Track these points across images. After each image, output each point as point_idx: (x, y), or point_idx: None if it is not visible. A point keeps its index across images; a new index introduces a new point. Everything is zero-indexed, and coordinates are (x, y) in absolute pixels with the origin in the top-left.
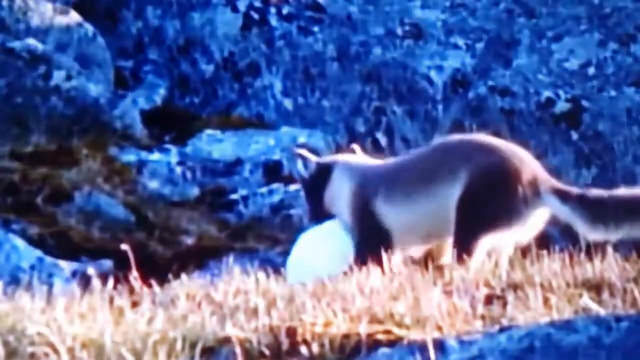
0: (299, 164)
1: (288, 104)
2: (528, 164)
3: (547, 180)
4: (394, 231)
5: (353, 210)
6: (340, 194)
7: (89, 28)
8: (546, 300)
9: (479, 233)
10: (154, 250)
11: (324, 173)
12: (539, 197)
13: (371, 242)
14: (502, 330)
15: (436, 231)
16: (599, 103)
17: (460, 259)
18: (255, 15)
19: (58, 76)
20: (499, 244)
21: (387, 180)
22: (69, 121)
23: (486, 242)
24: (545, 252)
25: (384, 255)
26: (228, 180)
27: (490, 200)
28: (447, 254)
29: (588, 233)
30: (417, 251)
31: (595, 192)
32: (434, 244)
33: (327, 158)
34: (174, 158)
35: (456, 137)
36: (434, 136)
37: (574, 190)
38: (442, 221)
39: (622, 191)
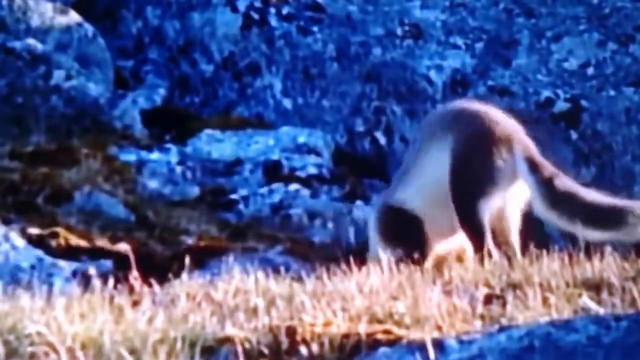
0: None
1: (288, 103)
2: (503, 125)
3: (522, 144)
4: (420, 213)
5: (379, 220)
6: (371, 230)
7: (89, 28)
8: (545, 300)
9: (471, 198)
10: (154, 249)
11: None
12: (512, 156)
13: (407, 236)
14: (501, 329)
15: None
16: (598, 103)
17: (470, 234)
18: (255, 16)
19: (58, 76)
20: (502, 212)
21: (398, 173)
22: (69, 121)
23: (485, 208)
24: (544, 251)
25: (422, 246)
26: (228, 180)
27: (471, 165)
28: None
29: (540, 211)
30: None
31: (567, 182)
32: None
33: None
34: (174, 158)
35: (443, 107)
36: None
37: (548, 167)
38: (445, 196)
39: (594, 195)
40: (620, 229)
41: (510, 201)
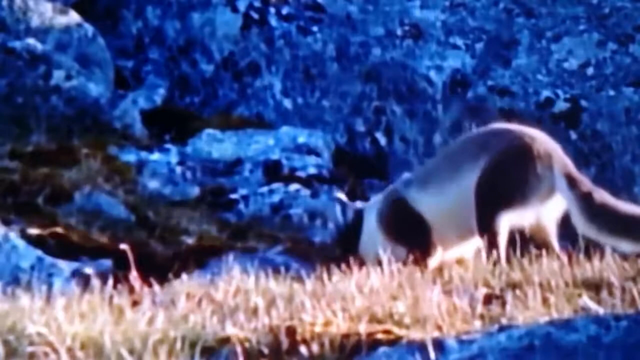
0: (337, 210)
1: (288, 103)
2: (542, 144)
3: (561, 160)
4: (430, 222)
5: (385, 213)
6: (369, 225)
7: (89, 28)
8: (545, 300)
9: (495, 210)
10: (154, 249)
11: (358, 219)
12: (551, 173)
13: (415, 236)
14: (501, 329)
15: (466, 221)
16: (597, 103)
17: (487, 242)
18: (255, 15)
19: (58, 76)
20: (541, 223)
21: (419, 172)
22: (69, 121)
23: (506, 220)
24: (544, 251)
25: (425, 246)
26: (228, 180)
27: (503, 177)
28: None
29: (579, 226)
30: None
31: (605, 196)
32: (467, 242)
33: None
34: (174, 158)
35: (481, 128)
36: (434, 136)
37: (586, 182)
38: (469, 209)
39: (629, 207)
40: None
41: (549, 214)
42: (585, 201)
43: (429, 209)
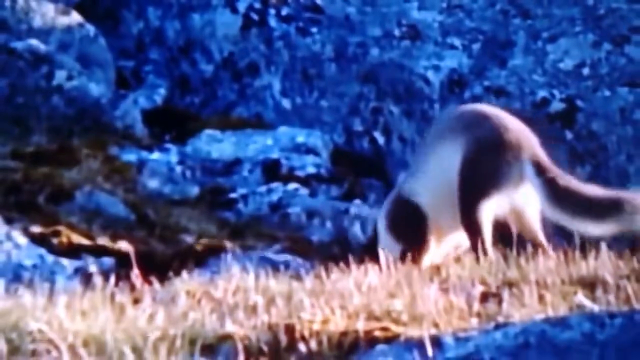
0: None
1: (287, 103)
2: (513, 131)
3: (530, 149)
4: (426, 209)
5: (390, 212)
6: (381, 230)
7: (91, 29)
8: (541, 297)
9: (474, 199)
10: (154, 248)
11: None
12: (520, 161)
13: (410, 229)
14: (497, 327)
15: (455, 204)
16: (593, 103)
17: (471, 232)
18: (255, 16)
19: (60, 76)
20: (521, 213)
21: (411, 165)
22: (70, 121)
23: (487, 209)
24: (540, 250)
25: (420, 241)
26: (227, 179)
27: (478, 166)
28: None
29: (547, 212)
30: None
31: (569, 180)
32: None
33: None
34: (174, 157)
35: (457, 108)
36: None
37: (554, 169)
38: (455, 191)
39: (594, 189)
40: (620, 219)
41: (528, 202)
42: (550, 186)
43: (422, 195)
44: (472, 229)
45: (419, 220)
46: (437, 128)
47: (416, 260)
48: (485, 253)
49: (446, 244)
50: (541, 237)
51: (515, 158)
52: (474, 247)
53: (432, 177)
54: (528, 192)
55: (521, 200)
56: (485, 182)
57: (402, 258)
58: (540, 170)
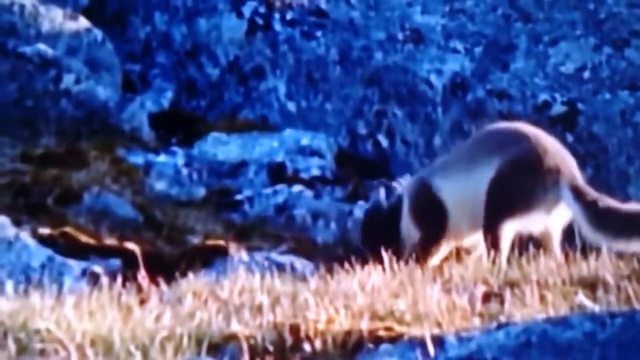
0: (381, 194)
1: (292, 106)
2: (552, 155)
3: (569, 173)
4: (449, 208)
5: (414, 195)
6: (404, 209)
7: (98, 33)
8: (542, 298)
9: (500, 216)
10: (161, 249)
11: (399, 203)
12: (558, 186)
13: (431, 222)
14: (499, 326)
15: (478, 214)
16: (593, 106)
17: (489, 243)
18: (260, 21)
19: (68, 80)
20: (547, 232)
21: (442, 161)
22: (78, 124)
23: (510, 227)
24: (541, 250)
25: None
26: (233, 181)
27: (510, 185)
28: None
29: (588, 236)
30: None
31: (608, 201)
32: (477, 234)
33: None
34: (180, 159)
35: (499, 125)
36: (434, 138)
37: (592, 192)
38: (481, 204)
39: (633, 207)
40: None
41: (555, 222)
42: (590, 210)
43: (447, 196)
44: (492, 242)
45: (440, 214)
46: (477, 139)
47: (429, 251)
48: (519, 252)
49: (446, 248)
50: (558, 252)
51: (553, 181)
52: (488, 255)
53: (461, 185)
54: (559, 216)
55: (553, 222)
56: (516, 201)
57: (420, 246)
58: (579, 194)
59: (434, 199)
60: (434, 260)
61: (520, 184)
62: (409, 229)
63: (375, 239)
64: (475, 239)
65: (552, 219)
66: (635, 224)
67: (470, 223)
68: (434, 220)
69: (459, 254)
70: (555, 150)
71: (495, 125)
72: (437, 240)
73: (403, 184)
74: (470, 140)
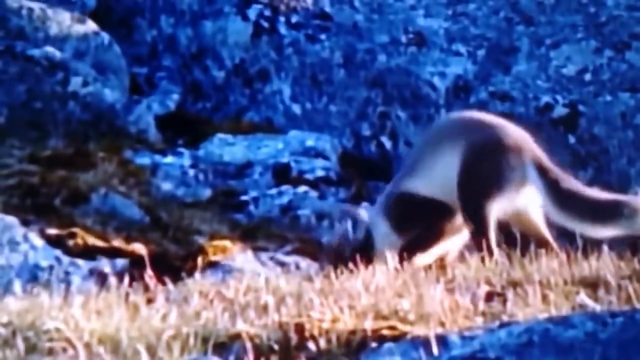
0: (349, 225)
1: (296, 108)
2: (514, 136)
3: (532, 152)
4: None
5: (393, 211)
6: (380, 232)
7: (105, 36)
8: (544, 297)
9: (478, 201)
10: (167, 249)
11: (369, 234)
12: (523, 164)
13: (422, 216)
14: (502, 326)
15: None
16: (595, 108)
17: (475, 231)
18: (265, 24)
19: (75, 82)
20: (524, 214)
21: (406, 164)
22: (85, 126)
23: (491, 211)
24: (543, 250)
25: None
26: (239, 182)
27: (479, 169)
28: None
29: (549, 212)
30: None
31: (572, 183)
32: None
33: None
34: (186, 161)
35: (457, 114)
36: None
37: (556, 171)
38: (453, 192)
39: (596, 192)
40: (620, 222)
41: (532, 204)
42: (553, 188)
43: (426, 189)
44: (477, 230)
45: (430, 205)
46: (435, 132)
47: (427, 247)
48: (490, 253)
49: (438, 249)
50: (547, 235)
51: (517, 161)
52: (479, 248)
53: (432, 180)
54: (531, 194)
55: (524, 202)
56: (488, 185)
57: (410, 247)
58: (543, 172)
59: (416, 198)
60: (431, 257)
61: (488, 167)
62: (394, 245)
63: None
64: (446, 246)
65: (522, 199)
66: (594, 211)
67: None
68: (427, 212)
69: (462, 255)
70: (516, 132)
71: (453, 114)
72: (438, 232)
73: (368, 212)
74: (426, 136)
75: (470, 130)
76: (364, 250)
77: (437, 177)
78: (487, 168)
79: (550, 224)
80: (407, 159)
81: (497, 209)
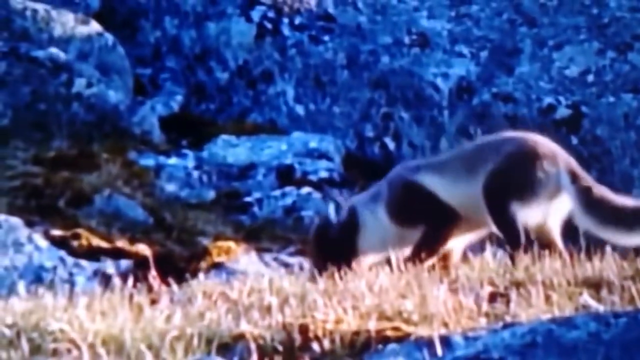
0: (330, 210)
1: (300, 110)
2: (546, 145)
3: (565, 160)
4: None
5: (397, 199)
6: (371, 221)
7: (109, 37)
8: (548, 298)
9: (506, 200)
10: (171, 250)
11: (353, 217)
12: (557, 170)
13: (433, 215)
14: (505, 326)
15: (473, 218)
16: (597, 109)
17: (505, 233)
18: (269, 25)
19: (79, 84)
20: (545, 223)
21: (431, 161)
22: (89, 127)
23: (521, 215)
24: (546, 251)
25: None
26: (242, 184)
27: (512, 175)
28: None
29: (579, 219)
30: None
31: (603, 191)
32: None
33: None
34: (190, 162)
35: (494, 135)
36: (440, 141)
37: (588, 179)
38: (477, 210)
39: (626, 200)
40: None
41: (555, 213)
42: (584, 195)
43: (444, 193)
44: (508, 230)
45: (439, 207)
46: (473, 150)
47: (437, 243)
48: (519, 245)
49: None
50: (561, 245)
51: (552, 167)
52: (512, 248)
53: (460, 191)
54: (561, 204)
55: (554, 213)
56: (520, 187)
57: (426, 240)
58: (575, 178)
59: (428, 194)
60: (434, 257)
61: (521, 172)
62: (400, 235)
63: (325, 256)
64: (451, 246)
65: (553, 209)
66: (623, 218)
67: (466, 225)
68: (436, 213)
69: (465, 256)
70: (547, 142)
71: (488, 136)
72: (444, 231)
73: (349, 200)
74: (465, 149)
75: (504, 145)
76: (346, 238)
77: (463, 190)
78: (519, 172)
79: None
80: (434, 157)
81: (525, 214)
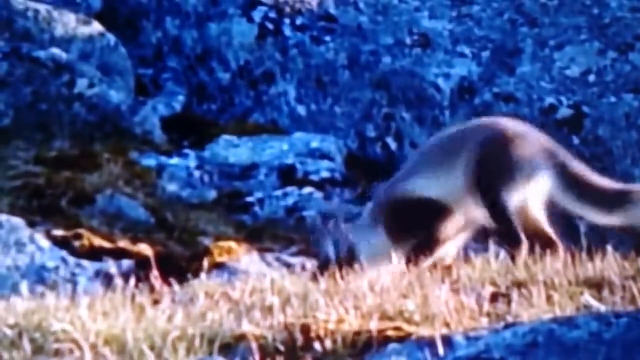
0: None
1: (302, 110)
2: (516, 129)
3: (537, 140)
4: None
5: (387, 218)
6: (371, 247)
7: (111, 38)
8: (549, 298)
9: (495, 188)
10: (173, 250)
11: (352, 253)
12: (531, 153)
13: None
14: (507, 326)
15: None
16: (599, 109)
17: (498, 220)
18: (270, 26)
19: (81, 84)
20: (526, 208)
21: (405, 167)
22: (91, 127)
23: (511, 199)
24: (548, 251)
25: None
26: (244, 184)
27: (497, 158)
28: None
29: (556, 196)
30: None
31: (581, 169)
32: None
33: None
34: (192, 162)
35: (464, 125)
36: None
37: (564, 155)
38: (463, 198)
39: (604, 180)
40: (626, 211)
41: (533, 195)
42: (562, 172)
43: (430, 191)
44: (502, 219)
45: (431, 208)
46: (439, 137)
47: (432, 250)
48: (519, 240)
49: (443, 249)
50: (549, 229)
51: (524, 150)
52: (507, 239)
53: (442, 184)
54: (538, 185)
55: (532, 195)
56: (500, 174)
57: (417, 251)
58: (552, 155)
59: (418, 199)
60: (435, 257)
61: (497, 160)
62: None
63: None
64: (446, 248)
65: (531, 191)
66: (601, 198)
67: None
68: (428, 212)
69: (466, 256)
70: (517, 123)
71: (458, 126)
72: (439, 227)
73: (351, 230)
74: (438, 141)
75: (476, 134)
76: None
77: (447, 181)
78: (495, 161)
79: (553, 220)
80: (407, 163)
81: (516, 198)
